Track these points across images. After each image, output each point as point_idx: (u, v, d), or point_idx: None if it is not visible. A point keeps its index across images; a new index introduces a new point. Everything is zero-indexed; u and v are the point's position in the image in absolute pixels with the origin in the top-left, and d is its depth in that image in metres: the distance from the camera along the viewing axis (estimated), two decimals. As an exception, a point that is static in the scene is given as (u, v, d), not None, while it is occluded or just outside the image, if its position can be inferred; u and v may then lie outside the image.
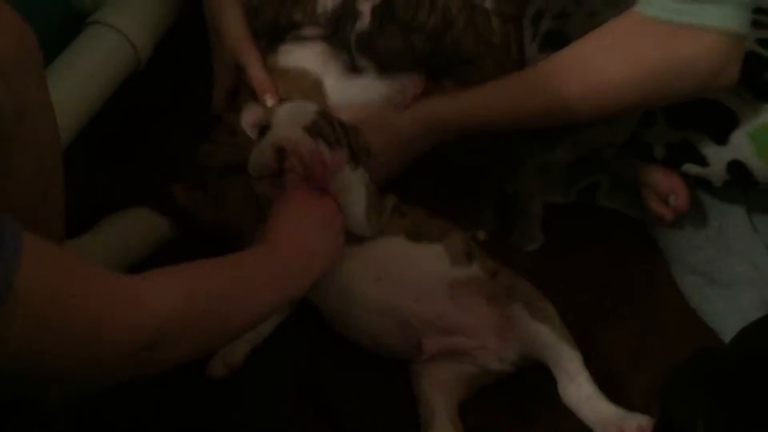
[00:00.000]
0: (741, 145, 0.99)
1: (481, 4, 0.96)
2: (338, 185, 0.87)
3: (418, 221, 0.93)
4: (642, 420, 0.84)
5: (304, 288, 0.79)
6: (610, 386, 0.92)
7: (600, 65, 0.89)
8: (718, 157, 1.01)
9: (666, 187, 1.06)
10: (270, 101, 0.97)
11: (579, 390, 0.86)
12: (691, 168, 1.05)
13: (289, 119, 0.88)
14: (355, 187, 0.88)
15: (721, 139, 1.00)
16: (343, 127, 0.91)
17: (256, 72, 1.00)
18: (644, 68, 0.87)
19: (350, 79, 1.02)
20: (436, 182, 1.08)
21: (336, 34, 0.95)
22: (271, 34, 1.02)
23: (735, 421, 0.84)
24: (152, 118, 1.16)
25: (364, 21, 0.89)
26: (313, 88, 1.02)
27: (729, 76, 0.86)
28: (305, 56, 1.02)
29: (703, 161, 1.03)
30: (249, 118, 0.93)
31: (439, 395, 0.87)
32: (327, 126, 0.88)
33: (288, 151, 0.83)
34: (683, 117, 1.02)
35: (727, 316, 1.01)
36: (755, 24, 1.00)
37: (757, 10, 0.98)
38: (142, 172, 1.08)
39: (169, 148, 1.11)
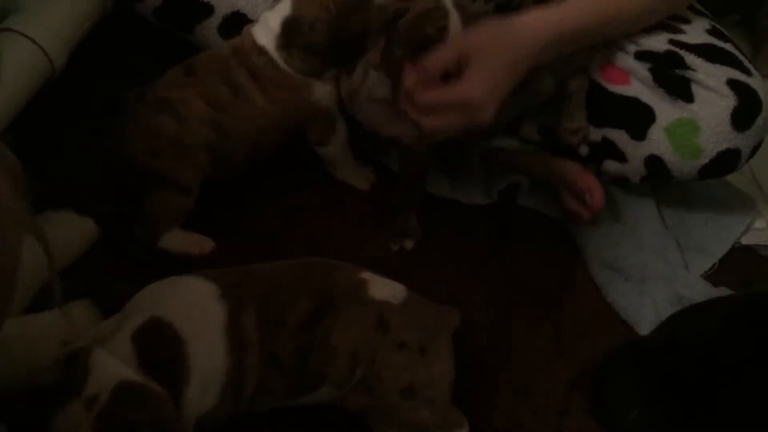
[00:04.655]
0: (658, 141, 1.03)
1: None
2: None
3: None
4: None
5: None
6: (531, 377, 0.96)
7: None
8: (636, 153, 1.05)
9: (582, 187, 1.09)
10: None
11: None
12: (611, 165, 1.08)
13: None
14: None
15: (640, 134, 1.04)
16: None
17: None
18: None
19: None
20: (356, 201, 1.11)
21: None
22: None
23: (664, 406, 0.88)
24: (67, 125, 1.13)
25: None
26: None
27: None
28: None
29: (622, 157, 1.07)
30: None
31: None
32: None
33: None
34: (603, 115, 1.06)
35: (641, 309, 1.05)
36: (668, 27, 1.06)
37: (673, 17, 1.07)
38: (60, 179, 1.05)
39: (86, 154, 1.09)
